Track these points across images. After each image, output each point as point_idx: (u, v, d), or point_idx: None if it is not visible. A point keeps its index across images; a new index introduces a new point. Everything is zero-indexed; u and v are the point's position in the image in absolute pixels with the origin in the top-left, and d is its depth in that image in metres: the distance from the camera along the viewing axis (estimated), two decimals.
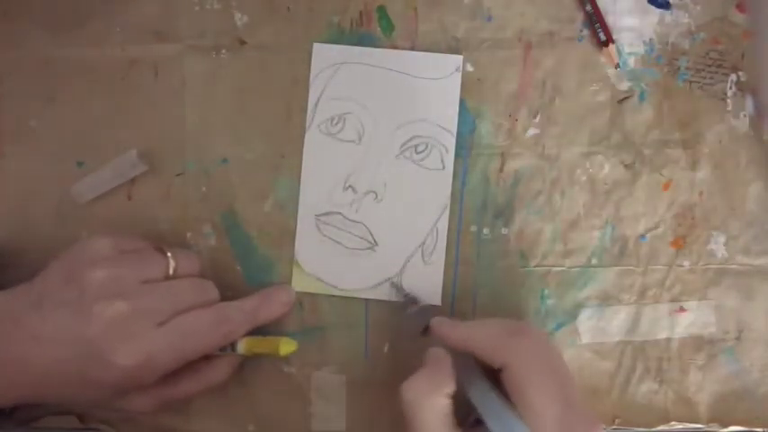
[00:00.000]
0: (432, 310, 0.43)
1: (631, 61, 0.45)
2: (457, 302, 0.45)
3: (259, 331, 0.43)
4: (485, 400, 0.36)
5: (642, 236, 0.45)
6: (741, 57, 0.45)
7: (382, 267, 0.45)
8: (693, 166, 0.45)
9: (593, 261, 0.45)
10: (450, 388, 0.36)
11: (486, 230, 0.45)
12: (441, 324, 0.40)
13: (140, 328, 0.37)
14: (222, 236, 0.45)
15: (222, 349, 0.41)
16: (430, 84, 0.45)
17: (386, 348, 0.45)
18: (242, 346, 0.41)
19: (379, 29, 0.45)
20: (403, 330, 0.44)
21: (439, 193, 0.45)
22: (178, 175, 0.45)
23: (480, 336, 0.38)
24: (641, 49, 0.45)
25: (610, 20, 0.45)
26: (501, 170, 0.45)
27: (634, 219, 0.45)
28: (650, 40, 0.45)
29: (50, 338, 0.37)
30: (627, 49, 0.45)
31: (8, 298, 0.39)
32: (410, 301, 0.44)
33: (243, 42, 0.45)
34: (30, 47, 0.45)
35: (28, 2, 0.46)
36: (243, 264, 0.45)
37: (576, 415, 0.35)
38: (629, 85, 0.45)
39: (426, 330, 0.41)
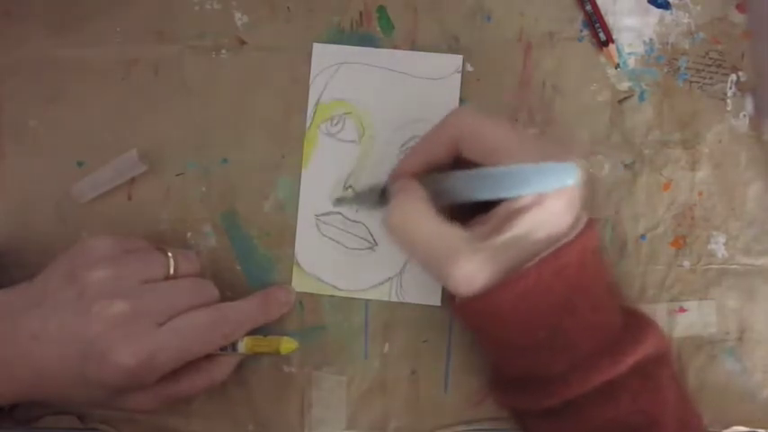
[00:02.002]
0: (377, 187, 0.43)
1: (631, 61, 0.45)
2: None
3: (259, 331, 0.43)
4: (456, 178, 0.37)
5: (642, 236, 0.45)
6: (741, 57, 0.45)
7: (382, 267, 0.45)
8: (693, 166, 0.45)
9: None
10: (424, 195, 0.38)
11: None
12: (396, 168, 0.41)
13: (141, 327, 0.37)
14: (222, 236, 0.45)
15: (223, 349, 0.41)
16: (430, 84, 0.45)
17: (386, 348, 0.45)
18: (242, 346, 0.41)
19: (379, 29, 0.45)
20: (364, 209, 0.44)
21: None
22: (178, 175, 0.45)
23: (430, 137, 0.40)
24: (641, 49, 0.45)
25: (610, 20, 0.45)
26: None
27: (634, 219, 0.45)
28: (650, 40, 0.45)
29: (51, 338, 0.37)
30: (627, 49, 0.45)
31: (8, 297, 0.39)
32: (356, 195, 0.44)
33: (243, 42, 0.45)
34: (30, 47, 0.46)
35: (28, 2, 0.46)
36: (243, 264, 0.45)
37: (545, 140, 0.39)
38: (629, 85, 0.45)
39: (384, 194, 0.41)
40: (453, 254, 0.36)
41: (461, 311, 0.39)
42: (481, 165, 0.37)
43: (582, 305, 0.37)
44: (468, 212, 0.39)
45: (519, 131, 0.38)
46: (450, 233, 0.37)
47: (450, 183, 0.38)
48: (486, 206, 0.38)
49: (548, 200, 0.36)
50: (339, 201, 0.45)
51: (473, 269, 0.36)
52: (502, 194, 0.36)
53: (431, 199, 0.38)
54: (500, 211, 0.37)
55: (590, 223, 0.38)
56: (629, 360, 0.36)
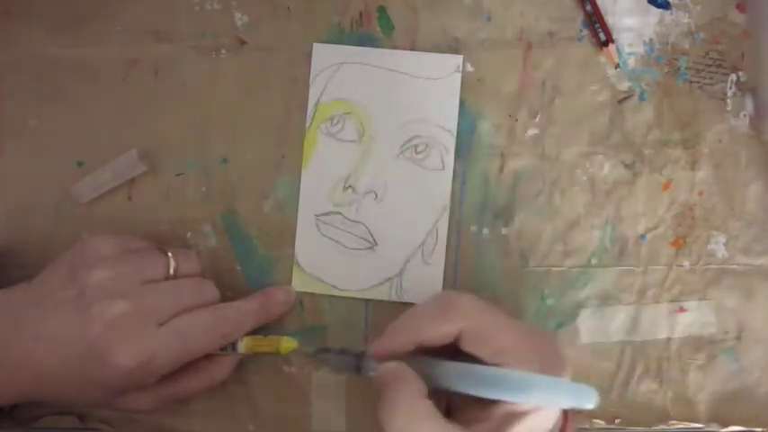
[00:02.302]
0: (348, 352, 0.40)
1: (631, 61, 0.45)
2: None
3: (259, 331, 0.43)
4: (460, 373, 0.36)
5: (642, 236, 0.45)
6: (741, 57, 0.45)
7: (382, 267, 0.45)
8: (693, 166, 0.45)
9: (593, 261, 0.45)
10: (423, 388, 0.36)
11: (486, 230, 0.45)
12: (380, 343, 0.38)
13: (141, 328, 0.37)
14: (222, 236, 0.45)
15: (223, 349, 0.41)
16: (430, 84, 0.45)
17: None
18: (243, 346, 0.41)
19: (379, 29, 0.45)
20: (336, 372, 0.43)
21: (439, 193, 0.45)
22: (178, 175, 0.45)
23: (426, 320, 0.37)
24: (641, 49, 0.45)
25: (610, 20, 0.45)
26: (501, 170, 0.45)
27: (634, 219, 0.45)
28: (650, 40, 0.45)
29: (51, 338, 0.37)
30: (627, 49, 0.45)
31: (9, 296, 0.39)
32: (323, 351, 0.41)
33: (243, 42, 0.45)
34: (30, 47, 0.45)
35: (28, 2, 0.46)
36: (243, 264, 0.45)
37: (545, 344, 0.37)
38: (629, 85, 0.45)
39: (359, 369, 0.39)
40: None
41: None
42: (479, 360, 0.36)
43: None
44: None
45: (526, 333, 0.37)
46: None
47: (450, 376, 0.36)
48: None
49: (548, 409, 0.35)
50: (318, 352, 0.41)
51: None
52: (513, 399, 0.35)
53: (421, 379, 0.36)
54: (500, 412, 0.35)
55: (568, 418, 0.37)
56: None
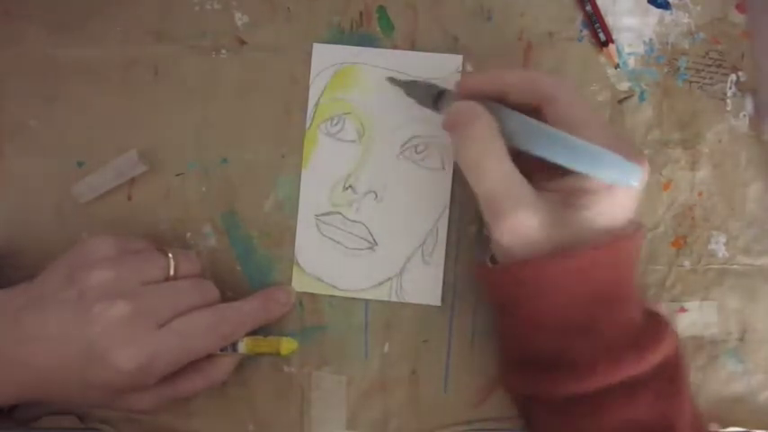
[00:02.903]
0: (435, 86, 0.42)
1: (631, 61, 0.45)
2: (457, 302, 0.45)
3: (259, 331, 0.43)
4: (535, 129, 0.36)
5: None
6: (741, 57, 0.45)
7: (382, 267, 0.45)
8: (693, 166, 0.45)
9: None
10: (496, 127, 0.37)
11: (486, 230, 0.45)
12: (469, 76, 0.40)
13: (141, 329, 0.37)
14: (222, 236, 0.45)
15: (223, 349, 0.41)
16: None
17: (386, 348, 0.45)
18: (243, 346, 0.41)
19: (379, 29, 0.45)
20: (413, 99, 0.43)
21: (439, 193, 0.45)
22: (178, 175, 0.45)
23: (519, 73, 0.39)
24: (641, 49, 0.45)
25: (610, 20, 0.45)
26: None
27: None
28: (650, 40, 0.45)
29: (51, 338, 0.37)
30: (627, 49, 0.45)
31: (9, 297, 0.39)
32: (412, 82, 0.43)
33: (243, 42, 0.45)
34: (30, 47, 0.46)
35: (28, 2, 0.46)
36: (243, 264, 0.45)
37: (626, 143, 0.38)
38: (629, 85, 0.45)
39: (440, 97, 0.40)
40: (517, 201, 0.36)
41: (500, 276, 0.38)
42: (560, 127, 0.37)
43: (619, 298, 0.37)
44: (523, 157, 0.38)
45: (607, 126, 0.39)
46: (521, 185, 0.36)
47: (526, 130, 0.37)
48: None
49: (620, 193, 0.36)
50: (392, 80, 0.43)
51: (530, 224, 0.36)
52: (573, 166, 0.35)
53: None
54: (569, 183, 0.37)
55: (640, 226, 0.38)
56: (653, 358, 0.36)
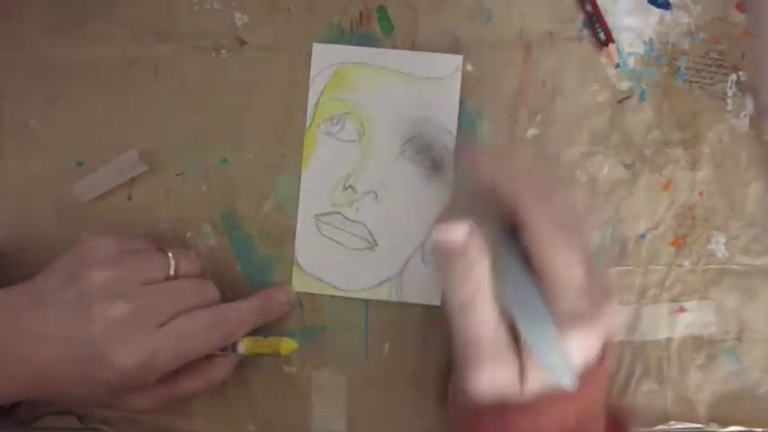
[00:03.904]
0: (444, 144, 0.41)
1: (631, 61, 0.45)
2: None
3: (259, 331, 0.43)
4: (519, 296, 0.35)
5: (642, 236, 0.45)
6: (741, 57, 0.45)
7: (382, 267, 0.45)
8: (693, 166, 0.45)
9: (594, 261, 0.45)
10: (488, 261, 0.35)
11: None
12: (474, 150, 0.39)
13: (141, 328, 0.37)
14: (222, 236, 0.45)
15: (223, 349, 0.41)
16: (430, 84, 0.45)
17: (386, 348, 0.45)
18: (243, 347, 0.41)
19: (379, 29, 0.45)
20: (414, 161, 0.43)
21: (439, 193, 0.45)
22: (178, 175, 0.45)
23: (510, 184, 0.36)
24: (641, 49, 0.45)
25: (610, 20, 0.45)
26: None
27: (634, 219, 0.45)
28: (650, 40, 0.45)
29: (51, 337, 0.37)
30: (627, 49, 0.45)
31: (9, 296, 0.39)
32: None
33: (243, 42, 0.45)
34: (30, 47, 0.46)
35: (28, 2, 0.46)
36: (243, 264, 0.45)
37: (596, 280, 0.35)
38: (629, 85, 0.45)
39: (437, 167, 0.39)
40: (498, 354, 0.35)
41: (471, 423, 0.36)
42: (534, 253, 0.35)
43: (587, 428, 0.36)
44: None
45: (581, 251, 0.36)
46: (501, 335, 0.35)
47: (509, 275, 0.35)
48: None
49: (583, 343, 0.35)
50: (415, 145, 0.43)
51: (506, 376, 0.35)
52: (523, 334, 0.35)
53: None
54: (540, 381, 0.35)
55: (607, 348, 0.36)
56: None
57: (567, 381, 0.34)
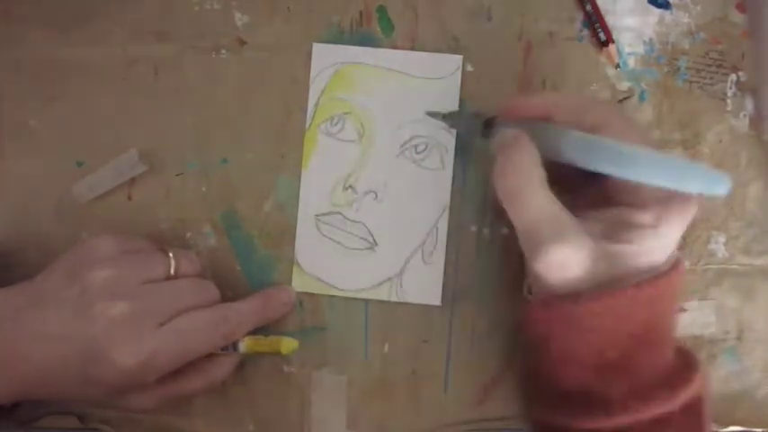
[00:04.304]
0: (480, 115, 0.41)
1: (631, 61, 0.45)
2: (457, 302, 0.45)
3: (259, 331, 0.43)
4: (583, 142, 0.35)
5: None
6: (741, 57, 0.45)
7: (382, 267, 0.45)
8: None
9: None
10: (538, 156, 0.36)
11: (486, 230, 0.45)
12: (514, 98, 0.39)
13: (141, 328, 0.37)
14: (222, 236, 0.45)
15: (224, 349, 0.41)
16: (430, 84, 0.45)
17: (386, 348, 0.45)
18: (243, 346, 0.41)
19: (379, 29, 0.45)
20: (462, 135, 0.43)
21: (439, 193, 0.45)
22: (178, 175, 0.45)
23: (568, 98, 0.38)
24: (641, 49, 0.45)
25: (610, 20, 0.45)
26: None
27: None
28: (650, 40, 0.45)
29: (51, 337, 0.37)
30: (627, 49, 0.45)
31: (9, 296, 0.39)
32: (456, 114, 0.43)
33: (243, 42, 0.45)
34: (30, 47, 0.46)
35: (28, 2, 0.46)
36: (243, 264, 0.45)
37: None
38: (629, 85, 0.45)
39: (489, 124, 0.39)
40: (559, 235, 0.34)
41: (539, 311, 0.37)
42: None
43: (655, 336, 0.36)
44: (563, 186, 0.37)
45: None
46: (563, 215, 0.35)
47: (578, 145, 0.35)
48: (586, 195, 0.37)
49: (663, 228, 0.35)
50: (432, 114, 0.43)
51: (572, 259, 0.35)
52: (645, 177, 0.34)
53: (542, 153, 0.36)
54: (615, 215, 0.36)
55: (680, 260, 0.37)
56: (683, 397, 0.36)
57: (722, 185, 0.32)
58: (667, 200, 0.35)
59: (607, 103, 0.38)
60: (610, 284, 0.35)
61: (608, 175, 0.35)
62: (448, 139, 0.45)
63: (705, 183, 0.33)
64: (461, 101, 0.45)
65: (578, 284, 0.35)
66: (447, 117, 0.43)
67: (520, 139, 0.36)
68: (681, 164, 0.34)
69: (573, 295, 0.35)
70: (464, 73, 0.45)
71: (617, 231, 0.35)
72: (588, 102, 0.38)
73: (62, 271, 0.39)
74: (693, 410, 0.36)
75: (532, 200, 0.35)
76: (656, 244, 0.35)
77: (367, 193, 0.45)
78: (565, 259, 0.35)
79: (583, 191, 0.37)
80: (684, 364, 0.37)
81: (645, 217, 0.35)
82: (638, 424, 0.35)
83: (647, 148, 0.34)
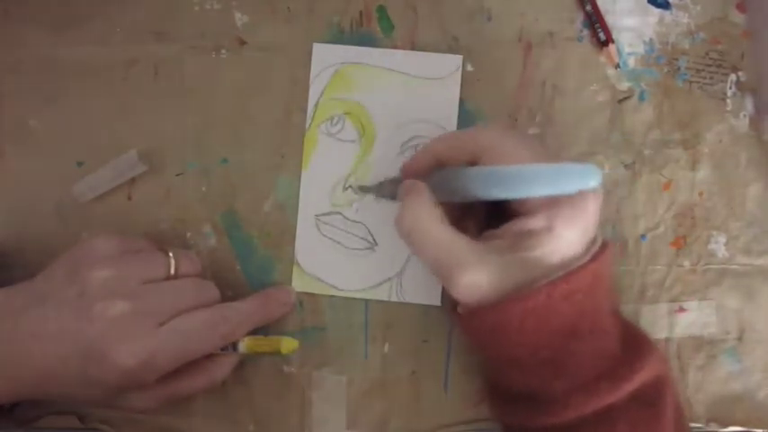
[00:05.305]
0: (385, 181, 0.44)
1: (631, 61, 0.45)
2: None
3: (259, 331, 0.43)
4: (469, 175, 0.37)
5: (642, 236, 0.45)
6: (741, 57, 0.45)
7: (382, 267, 0.45)
8: (693, 166, 0.45)
9: None
10: (432, 197, 0.38)
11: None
12: (407, 161, 0.42)
13: (141, 328, 0.37)
14: (222, 236, 0.45)
15: (224, 349, 0.41)
16: (430, 84, 0.45)
17: (386, 348, 0.45)
18: (243, 346, 0.41)
19: (379, 29, 0.45)
20: (384, 199, 0.45)
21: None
22: (178, 175, 0.45)
23: (447, 138, 0.41)
24: (641, 49, 0.45)
25: (610, 20, 0.45)
26: None
27: (634, 219, 0.45)
28: (650, 40, 0.45)
29: (51, 336, 0.37)
30: (627, 49, 0.45)
31: (9, 296, 0.39)
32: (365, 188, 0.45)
33: (243, 42, 0.45)
34: (30, 47, 0.46)
35: (28, 2, 0.46)
36: (243, 264, 0.45)
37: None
38: (629, 85, 0.45)
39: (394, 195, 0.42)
40: (460, 262, 0.36)
41: (466, 323, 0.38)
42: None
43: (587, 329, 0.37)
44: (472, 217, 0.40)
45: (544, 151, 0.38)
46: (459, 242, 0.37)
47: (463, 180, 0.38)
48: (495, 216, 0.39)
49: (558, 227, 0.36)
50: (362, 189, 0.45)
51: (479, 279, 0.36)
52: (519, 194, 0.36)
53: (441, 198, 0.38)
54: (512, 227, 0.37)
55: (604, 246, 0.37)
56: (628, 387, 0.36)
57: (593, 177, 0.34)
58: (555, 200, 0.36)
59: (484, 129, 0.40)
60: (525, 288, 0.36)
61: (500, 199, 0.37)
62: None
63: (579, 179, 0.35)
64: (461, 101, 0.45)
65: (496, 295, 0.36)
66: (372, 189, 0.45)
67: (414, 185, 0.39)
68: (552, 169, 0.35)
69: (490, 306, 0.36)
70: (464, 73, 0.45)
71: (517, 241, 0.36)
72: (462, 135, 0.40)
73: (62, 271, 0.39)
74: (645, 398, 0.36)
75: (429, 237, 0.37)
76: (555, 245, 0.36)
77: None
78: (472, 281, 0.36)
79: (489, 215, 0.40)
80: (632, 352, 0.37)
81: (537, 222, 0.36)
82: (583, 417, 0.36)
83: (516, 165, 0.36)
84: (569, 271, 0.36)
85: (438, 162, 0.40)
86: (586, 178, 0.35)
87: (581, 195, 0.36)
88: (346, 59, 0.45)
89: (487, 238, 0.38)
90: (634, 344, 0.38)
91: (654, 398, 0.37)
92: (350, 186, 0.45)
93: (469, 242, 0.37)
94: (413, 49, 0.45)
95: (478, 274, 0.36)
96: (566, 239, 0.36)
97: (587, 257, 0.36)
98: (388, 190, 0.43)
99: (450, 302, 0.40)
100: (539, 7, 0.45)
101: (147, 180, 0.45)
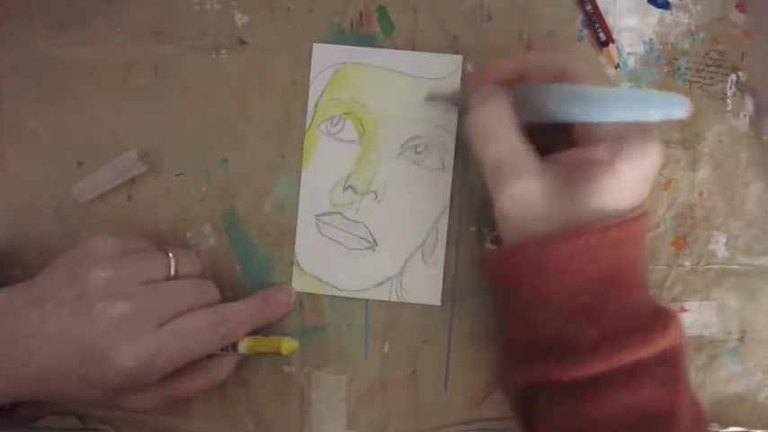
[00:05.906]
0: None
1: (631, 61, 0.45)
2: (457, 302, 0.45)
3: (259, 331, 0.43)
4: (552, 92, 0.36)
5: None
6: (741, 57, 0.45)
7: (382, 267, 0.45)
8: (693, 166, 0.45)
9: None
10: (507, 102, 0.38)
11: (486, 230, 0.45)
12: (489, 66, 0.41)
13: (141, 328, 0.37)
14: (222, 236, 0.45)
15: (224, 349, 0.41)
16: (430, 84, 0.45)
17: (386, 348, 0.45)
18: (244, 346, 0.41)
19: (379, 29, 0.45)
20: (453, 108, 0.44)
21: (439, 193, 0.45)
22: (178, 175, 0.45)
23: (534, 57, 0.41)
24: (641, 49, 0.45)
25: (610, 20, 0.45)
26: None
27: None
28: (650, 40, 0.45)
29: (51, 337, 0.37)
30: (627, 49, 0.45)
31: (9, 296, 0.39)
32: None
33: (243, 42, 0.46)
34: (30, 47, 0.46)
35: (28, 2, 0.46)
36: (243, 264, 0.45)
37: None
38: (629, 86, 0.45)
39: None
40: (521, 168, 0.36)
41: (506, 260, 0.38)
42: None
43: (627, 281, 0.37)
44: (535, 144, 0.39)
45: None
46: (525, 149, 0.37)
47: (546, 95, 0.37)
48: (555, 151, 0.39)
49: (618, 162, 0.36)
50: (431, 96, 0.44)
51: (533, 191, 0.36)
52: (602, 116, 0.35)
53: (516, 110, 0.38)
54: (574, 155, 0.37)
55: (646, 213, 0.38)
56: (659, 344, 0.35)
57: (682, 107, 0.33)
58: (622, 135, 0.36)
59: (565, 54, 0.41)
60: (577, 228, 0.35)
61: (578, 121, 0.37)
62: (448, 139, 0.45)
63: (667, 106, 0.34)
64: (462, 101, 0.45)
65: (543, 224, 0.36)
66: (445, 96, 0.44)
67: (496, 89, 0.39)
68: (638, 93, 0.35)
69: (539, 240, 0.36)
70: (464, 73, 0.45)
71: (576, 169, 0.36)
72: (549, 56, 0.40)
73: (62, 271, 0.39)
74: (670, 361, 0.36)
75: (498, 136, 0.37)
76: (613, 182, 0.36)
77: (367, 193, 0.45)
78: (526, 191, 0.36)
79: (555, 140, 0.39)
80: (661, 312, 0.37)
81: (599, 152, 0.36)
82: (611, 372, 0.35)
83: (606, 86, 0.37)
84: (625, 219, 0.36)
85: (522, 74, 0.40)
86: (673, 107, 0.34)
87: (646, 139, 0.36)
88: (346, 59, 0.45)
89: (549, 161, 0.38)
90: (661, 308, 0.38)
91: (676, 360, 0.37)
92: (350, 186, 0.45)
93: (535, 154, 0.37)
94: (413, 49, 0.45)
95: (534, 185, 0.36)
96: (623, 179, 0.36)
97: (639, 212, 0.37)
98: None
99: (480, 252, 0.40)
100: (539, 7, 0.45)
101: (146, 180, 0.45)
